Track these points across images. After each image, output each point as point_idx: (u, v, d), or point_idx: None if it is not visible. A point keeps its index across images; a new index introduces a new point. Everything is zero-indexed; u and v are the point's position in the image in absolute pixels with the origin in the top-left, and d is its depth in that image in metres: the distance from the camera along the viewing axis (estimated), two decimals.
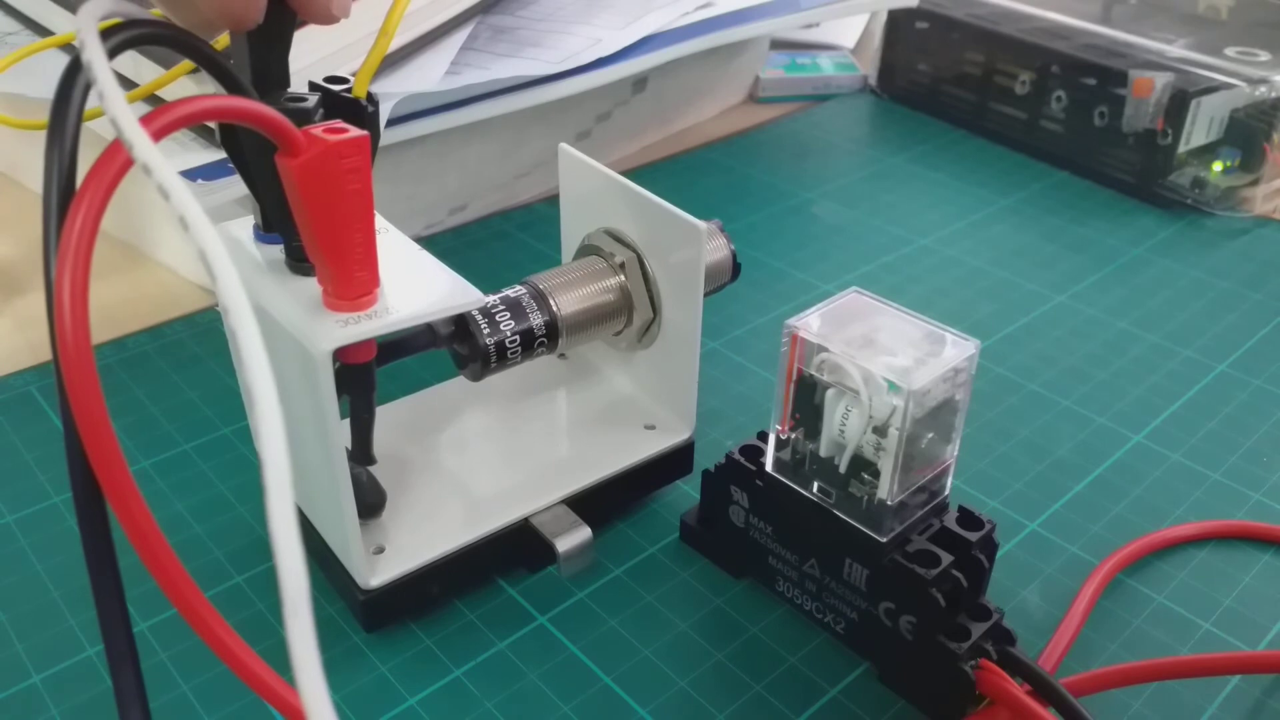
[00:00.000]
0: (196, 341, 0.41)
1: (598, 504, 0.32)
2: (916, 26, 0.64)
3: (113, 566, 0.18)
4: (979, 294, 0.46)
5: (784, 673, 0.29)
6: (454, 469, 0.32)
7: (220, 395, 0.38)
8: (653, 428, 0.34)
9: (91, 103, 0.18)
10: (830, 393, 0.27)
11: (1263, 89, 0.52)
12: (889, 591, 0.27)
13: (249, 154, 0.24)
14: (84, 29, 0.17)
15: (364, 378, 0.27)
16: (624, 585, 0.31)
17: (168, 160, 0.16)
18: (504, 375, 0.34)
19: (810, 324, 0.27)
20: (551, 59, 0.45)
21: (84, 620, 0.29)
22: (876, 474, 0.27)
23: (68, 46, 0.44)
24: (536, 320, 0.31)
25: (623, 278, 0.32)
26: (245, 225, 0.28)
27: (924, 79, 0.64)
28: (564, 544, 0.30)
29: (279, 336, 0.25)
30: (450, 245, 0.48)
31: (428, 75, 0.42)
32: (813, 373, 0.27)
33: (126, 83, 0.41)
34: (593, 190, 0.33)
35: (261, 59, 0.24)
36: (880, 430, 0.26)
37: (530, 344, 0.31)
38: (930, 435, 0.27)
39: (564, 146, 0.34)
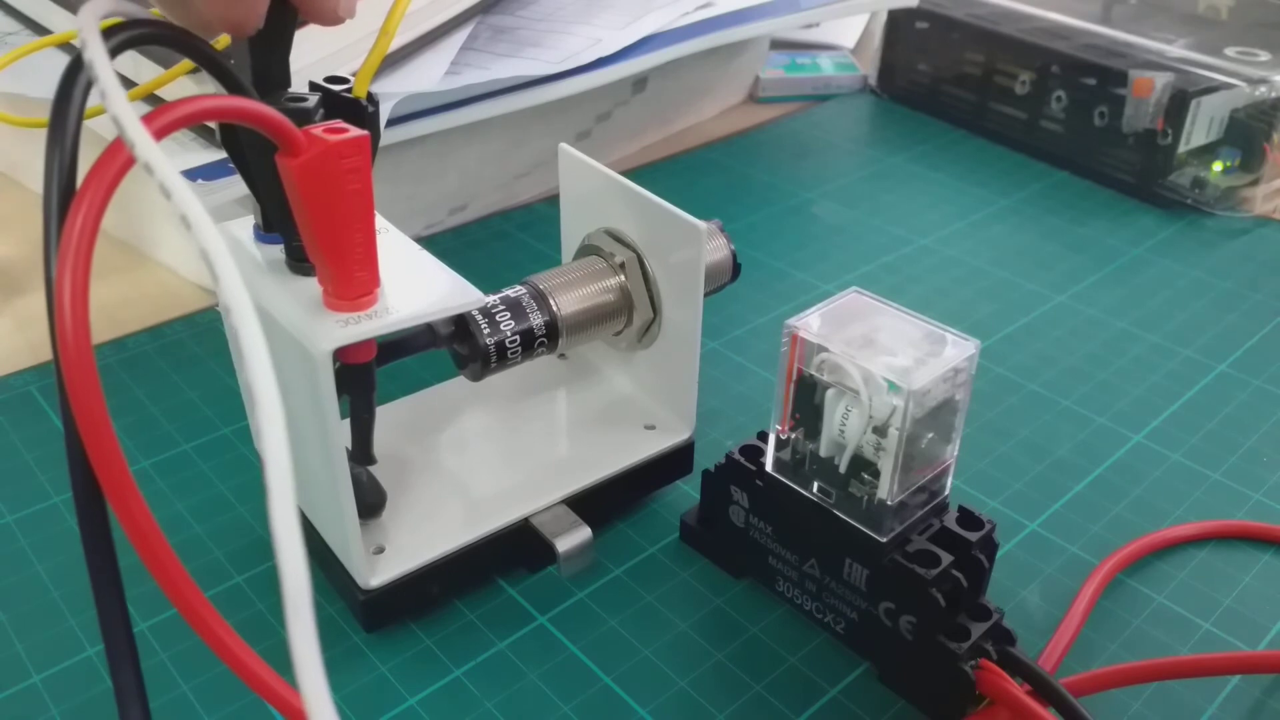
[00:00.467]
0: (196, 341, 0.41)
1: (598, 504, 0.32)
2: (916, 26, 0.64)
3: (113, 566, 0.18)
4: (979, 294, 0.46)
5: (784, 673, 0.29)
6: (454, 469, 0.32)
7: (220, 395, 0.38)
8: (653, 428, 0.34)
9: (93, 101, 0.18)
10: (830, 393, 0.27)
11: (1263, 89, 0.52)
12: (889, 591, 0.27)
13: (249, 154, 0.24)
14: (85, 28, 0.17)
15: (364, 378, 0.27)
16: (624, 585, 0.31)
17: (169, 159, 0.16)
18: (504, 375, 0.34)
19: (810, 324, 0.27)
20: (551, 59, 0.45)
21: (84, 620, 0.29)
22: (876, 474, 0.27)
23: (66, 46, 0.44)
24: (537, 320, 0.31)
25: (623, 278, 0.32)
26: (245, 225, 0.28)
27: (924, 79, 0.64)
28: (564, 544, 0.30)
29: (279, 337, 0.25)
30: (450, 245, 0.48)
31: (428, 75, 0.42)
32: (813, 373, 0.27)
33: (126, 82, 0.41)
34: (593, 190, 0.33)
35: (262, 59, 0.24)
36: (880, 430, 0.26)
37: (530, 344, 0.31)
38: (930, 435, 0.27)
39: (564, 146, 0.34)
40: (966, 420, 0.28)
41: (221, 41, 0.28)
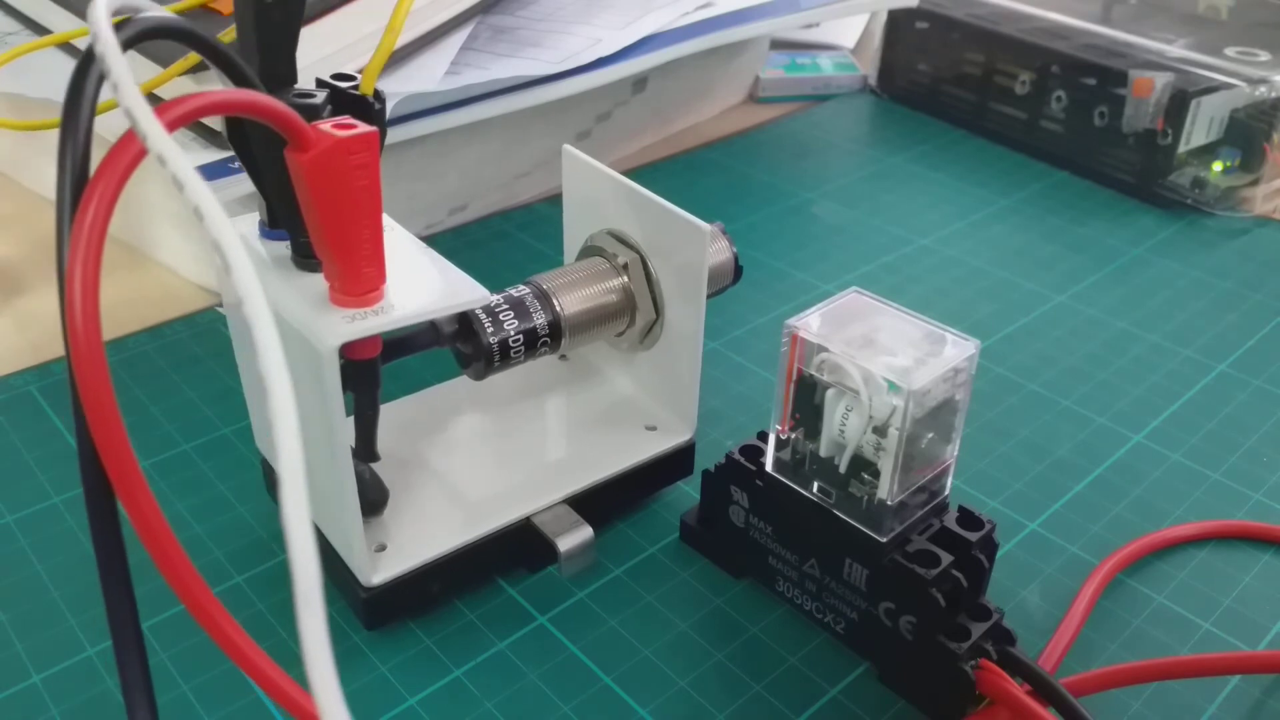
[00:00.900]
0: (196, 341, 0.41)
1: (598, 504, 0.32)
2: (916, 26, 0.64)
3: (122, 561, 0.18)
4: (979, 294, 0.46)
5: (784, 673, 0.29)
6: (456, 468, 0.32)
7: (220, 395, 0.38)
8: (654, 429, 0.34)
9: (104, 95, 0.18)
10: (830, 393, 0.27)
11: (1263, 89, 0.52)
12: (889, 591, 0.27)
13: (257, 150, 0.24)
14: (98, 20, 0.17)
15: (369, 374, 0.27)
16: (624, 585, 0.31)
17: (183, 152, 0.16)
18: (506, 376, 0.34)
19: (810, 324, 0.27)
20: (551, 59, 0.45)
21: (84, 620, 0.29)
22: (876, 474, 0.27)
23: (66, 46, 0.44)
24: (540, 320, 0.31)
25: (626, 279, 0.32)
26: (249, 222, 0.28)
27: (924, 79, 0.64)
28: (565, 543, 0.30)
29: (285, 333, 0.25)
30: (450, 245, 0.48)
31: (428, 75, 0.42)
32: (813, 373, 0.27)
33: None
34: (596, 191, 0.33)
35: (270, 55, 0.24)
36: (880, 430, 0.26)
37: (534, 343, 0.31)
38: (930, 435, 0.27)
39: (568, 148, 0.34)
40: (966, 420, 0.28)
41: (228, 35, 0.28)
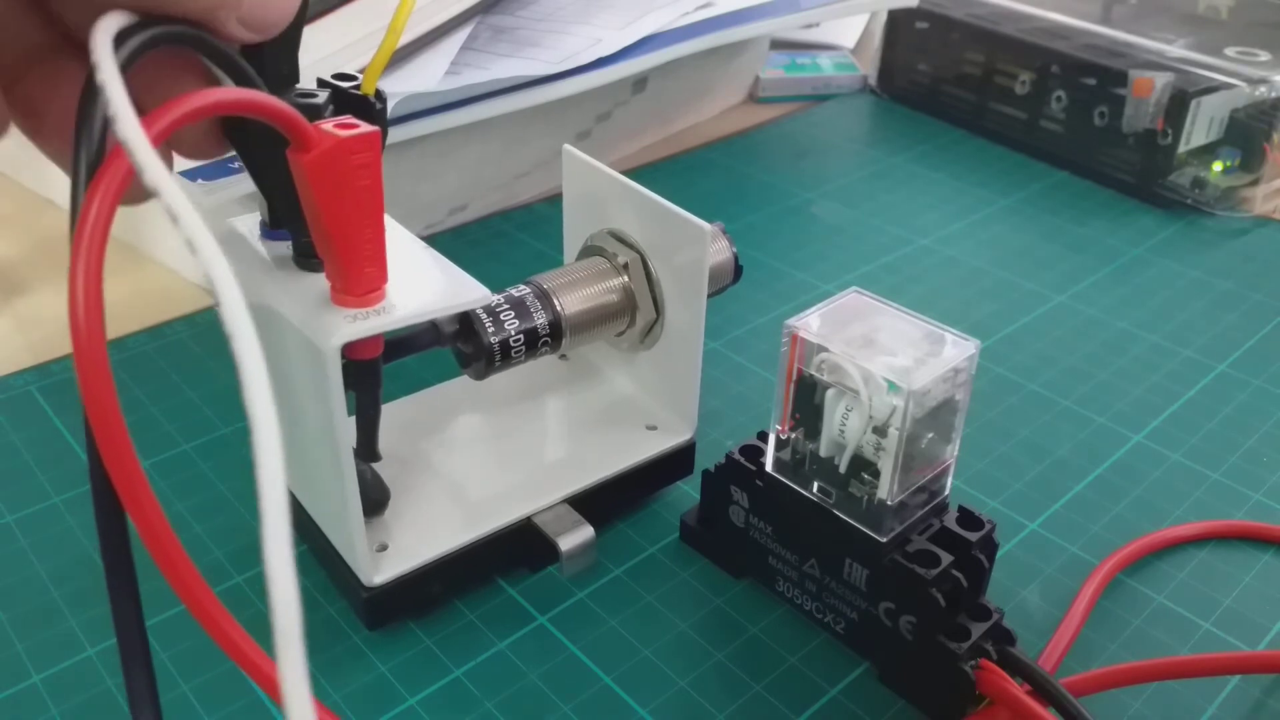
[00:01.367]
0: (196, 341, 0.41)
1: (599, 504, 0.32)
2: (916, 26, 0.64)
3: (127, 557, 0.18)
4: (979, 294, 0.46)
5: (784, 673, 0.29)
6: (456, 468, 0.32)
7: (220, 395, 0.38)
8: (654, 428, 0.34)
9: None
10: (830, 393, 0.27)
11: (1263, 89, 0.52)
12: (889, 591, 0.27)
13: (259, 150, 0.24)
14: (98, 47, 0.17)
15: (371, 374, 0.27)
16: (624, 585, 0.31)
17: (177, 183, 0.16)
18: (506, 376, 0.34)
19: (810, 324, 0.27)
20: (551, 59, 0.45)
21: (84, 620, 0.29)
22: (876, 474, 0.27)
23: None
24: (541, 320, 0.31)
25: (626, 279, 0.32)
26: (251, 221, 0.28)
27: (924, 79, 0.64)
28: (566, 543, 0.30)
29: (286, 333, 0.25)
30: (450, 245, 0.48)
31: (428, 75, 0.42)
32: (813, 373, 0.27)
33: None
34: (597, 191, 0.33)
35: (272, 55, 0.24)
36: (880, 430, 0.26)
37: (534, 343, 0.31)
38: (930, 435, 0.27)
39: (568, 148, 0.34)
40: (966, 420, 0.28)
41: None
